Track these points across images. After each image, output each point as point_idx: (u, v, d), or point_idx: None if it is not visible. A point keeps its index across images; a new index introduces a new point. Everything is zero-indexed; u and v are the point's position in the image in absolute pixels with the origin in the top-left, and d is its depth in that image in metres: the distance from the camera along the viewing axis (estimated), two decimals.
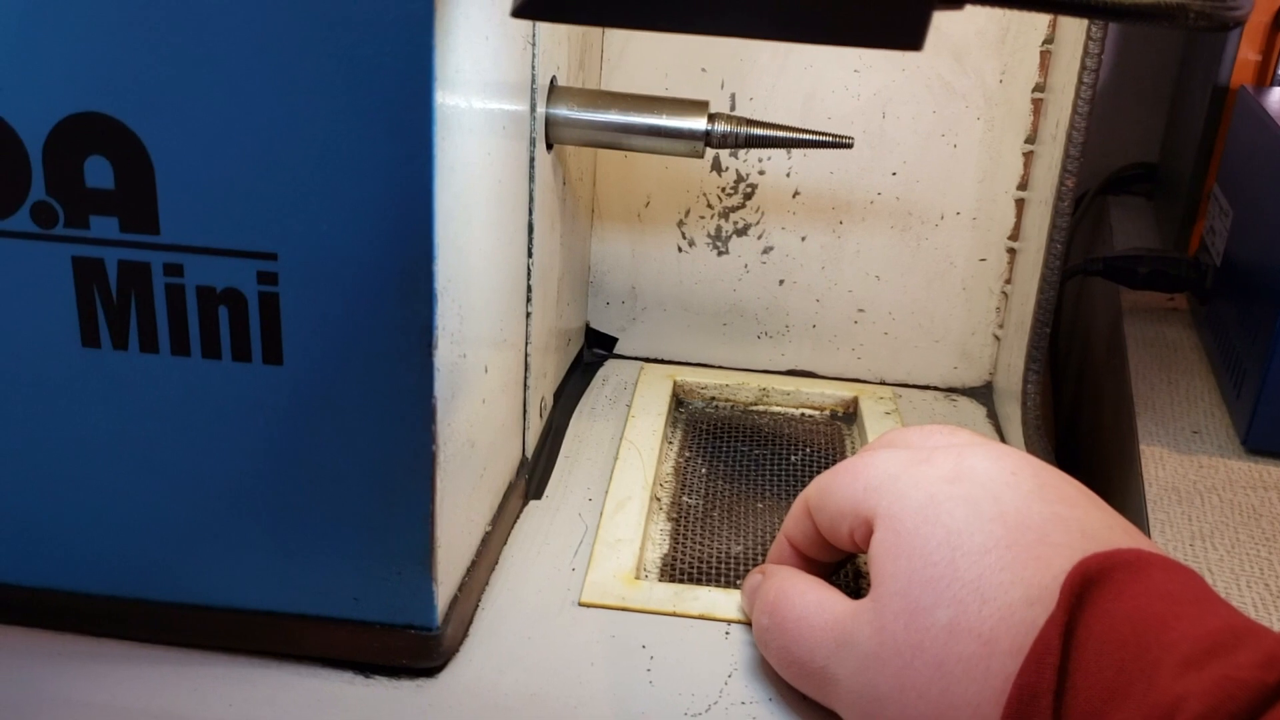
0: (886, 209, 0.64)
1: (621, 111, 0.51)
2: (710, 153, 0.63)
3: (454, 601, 0.42)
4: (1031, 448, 0.57)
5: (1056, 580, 0.33)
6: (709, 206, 0.65)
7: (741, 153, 0.63)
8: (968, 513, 0.36)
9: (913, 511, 0.37)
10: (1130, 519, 0.38)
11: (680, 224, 0.65)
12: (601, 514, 0.51)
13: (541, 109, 0.49)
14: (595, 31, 0.60)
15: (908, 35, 0.30)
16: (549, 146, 0.51)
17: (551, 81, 0.50)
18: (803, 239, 0.65)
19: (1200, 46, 0.83)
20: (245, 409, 0.38)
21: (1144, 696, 0.29)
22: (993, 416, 0.64)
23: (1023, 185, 0.62)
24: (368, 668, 0.41)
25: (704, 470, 0.57)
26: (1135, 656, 0.30)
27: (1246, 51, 0.75)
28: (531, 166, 0.48)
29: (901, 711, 0.35)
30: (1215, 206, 0.70)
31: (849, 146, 0.52)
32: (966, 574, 0.35)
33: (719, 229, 0.65)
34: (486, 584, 0.46)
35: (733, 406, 0.65)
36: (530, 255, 0.50)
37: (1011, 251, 0.64)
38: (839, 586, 0.41)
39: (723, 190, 0.64)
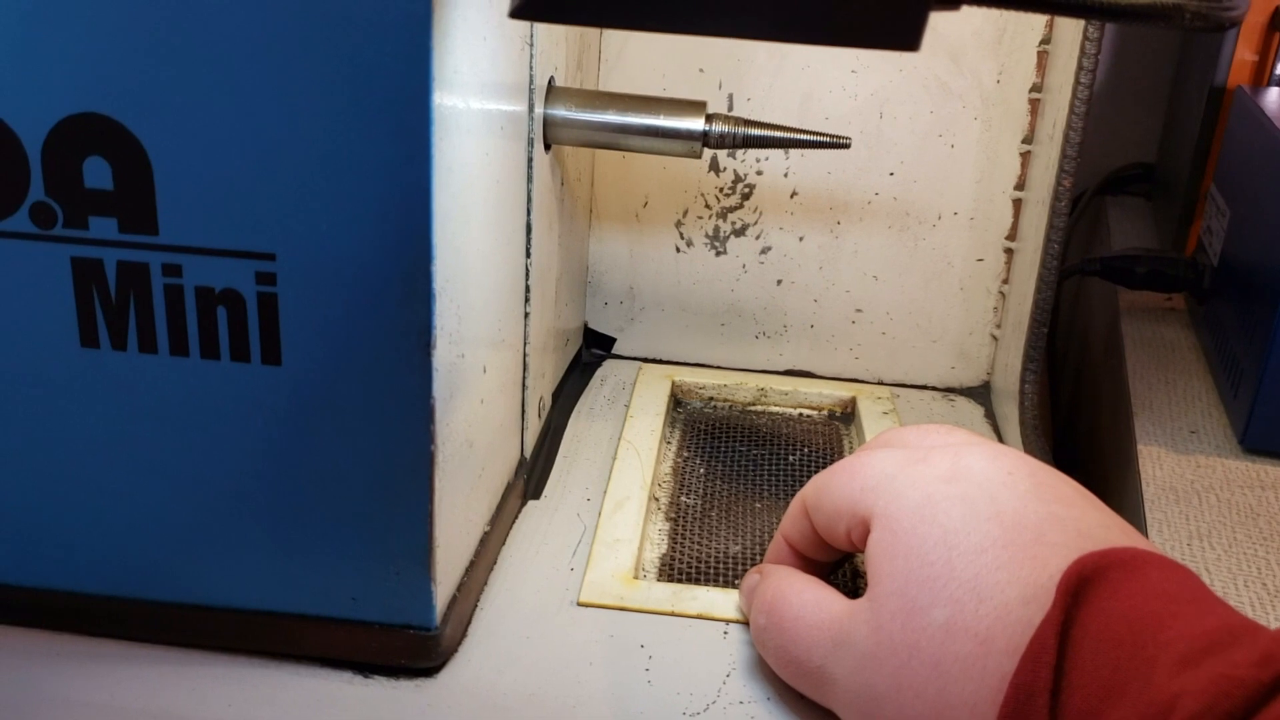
0: (884, 209, 0.64)
1: (619, 112, 0.51)
2: (708, 153, 0.63)
3: (452, 601, 0.42)
4: (1029, 447, 0.57)
5: (1053, 579, 0.33)
6: (707, 207, 0.65)
7: (739, 153, 0.63)
8: (964, 512, 0.36)
9: (909, 511, 0.37)
10: (1128, 519, 0.38)
11: (678, 224, 0.65)
12: (600, 514, 0.51)
13: (539, 109, 0.49)
14: (593, 32, 0.60)
15: (905, 36, 0.30)
16: (547, 147, 0.51)
17: (549, 82, 0.50)
18: (800, 239, 0.65)
19: (1197, 46, 0.84)
20: (244, 409, 0.38)
21: (1140, 695, 0.29)
22: (990, 416, 0.64)
23: (1020, 185, 0.63)
24: (367, 668, 0.41)
25: (702, 470, 0.57)
26: (1131, 655, 0.30)
27: (1243, 52, 0.75)
28: (529, 167, 0.48)
29: (899, 711, 0.35)
30: (1212, 206, 0.70)
31: (846, 147, 0.52)
32: (963, 573, 0.35)
33: (717, 229, 0.65)
34: (485, 584, 0.46)
35: (731, 406, 0.65)
36: (528, 255, 0.50)
37: (1009, 251, 0.64)
38: (837, 586, 0.41)
39: (720, 190, 0.64)
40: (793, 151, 0.63)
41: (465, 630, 0.43)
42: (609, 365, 0.68)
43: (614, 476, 0.55)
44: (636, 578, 0.47)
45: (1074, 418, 0.84)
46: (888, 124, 0.62)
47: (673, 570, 0.49)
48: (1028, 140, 0.62)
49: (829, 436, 0.62)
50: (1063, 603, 0.32)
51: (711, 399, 0.65)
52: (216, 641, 0.42)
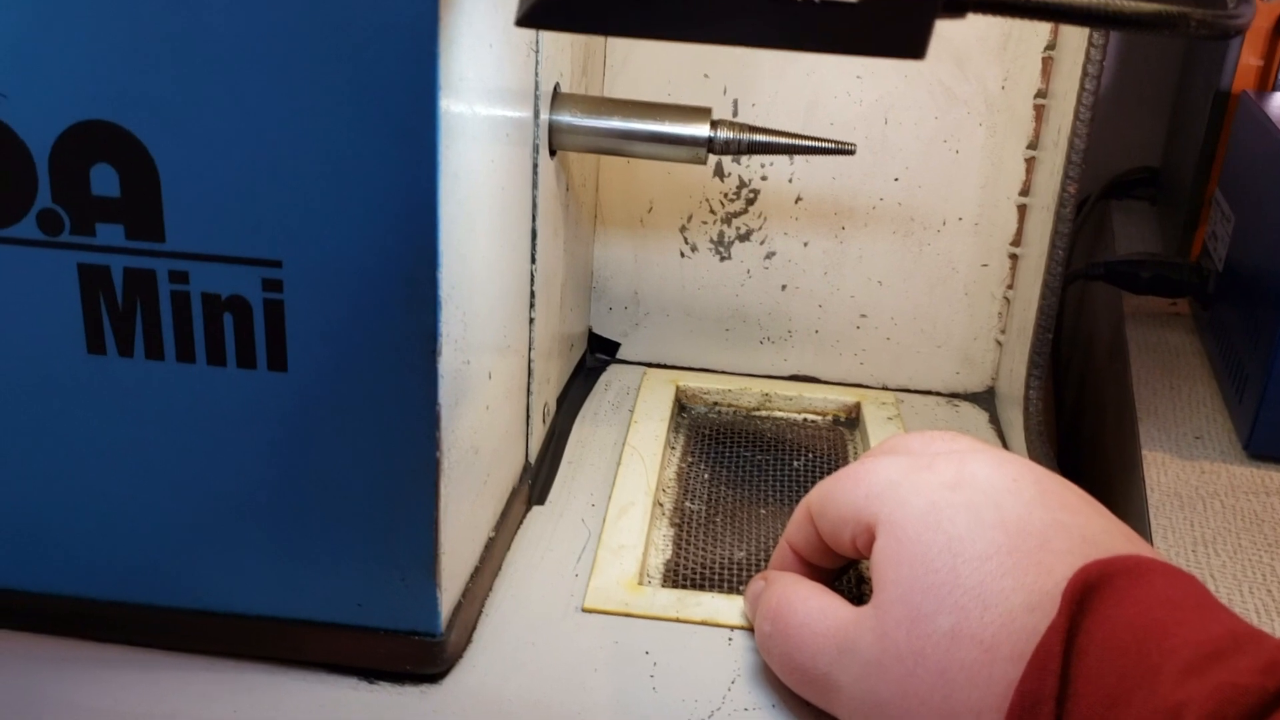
0: (889, 215, 0.64)
1: (624, 118, 0.51)
2: (713, 158, 0.63)
3: (458, 607, 0.42)
4: (1034, 453, 0.57)
5: (1058, 587, 0.33)
6: (711, 212, 0.65)
7: (744, 158, 0.63)
8: (969, 519, 0.36)
9: (914, 518, 0.37)
10: (1132, 525, 0.38)
11: (683, 229, 0.66)
12: (604, 519, 0.52)
13: (545, 116, 0.49)
14: (598, 38, 0.60)
15: (910, 44, 0.30)
16: (552, 153, 0.51)
17: (555, 88, 0.50)
18: (805, 244, 0.65)
19: (1202, 51, 0.84)
20: (250, 416, 0.38)
21: (1145, 703, 0.29)
22: (995, 422, 0.64)
23: (1025, 191, 0.63)
24: (372, 673, 0.41)
25: (706, 476, 0.57)
26: (1136, 663, 0.30)
27: (1248, 56, 0.75)
28: (535, 173, 0.49)
29: (904, 717, 0.35)
30: (1217, 211, 0.70)
31: (851, 153, 0.52)
32: (968, 580, 0.35)
33: (721, 234, 0.65)
34: (490, 590, 0.46)
35: (735, 411, 0.65)
36: (533, 261, 0.50)
37: (1013, 257, 0.64)
38: (841, 592, 0.41)
39: (725, 196, 0.64)
40: (798, 157, 0.63)
41: (470, 636, 0.43)
42: (613, 370, 0.68)
43: (618, 482, 0.55)
44: (641, 584, 0.47)
45: (1078, 422, 0.84)
46: (893, 130, 0.62)
47: (677, 576, 0.49)
48: (1032, 146, 0.62)
49: (833, 442, 0.62)
50: (1068, 610, 0.32)
51: (716, 404, 0.65)
52: (222, 647, 0.42)
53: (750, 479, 0.57)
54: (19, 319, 0.38)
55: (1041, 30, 0.60)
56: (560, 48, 0.51)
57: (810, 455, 0.60)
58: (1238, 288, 0.64)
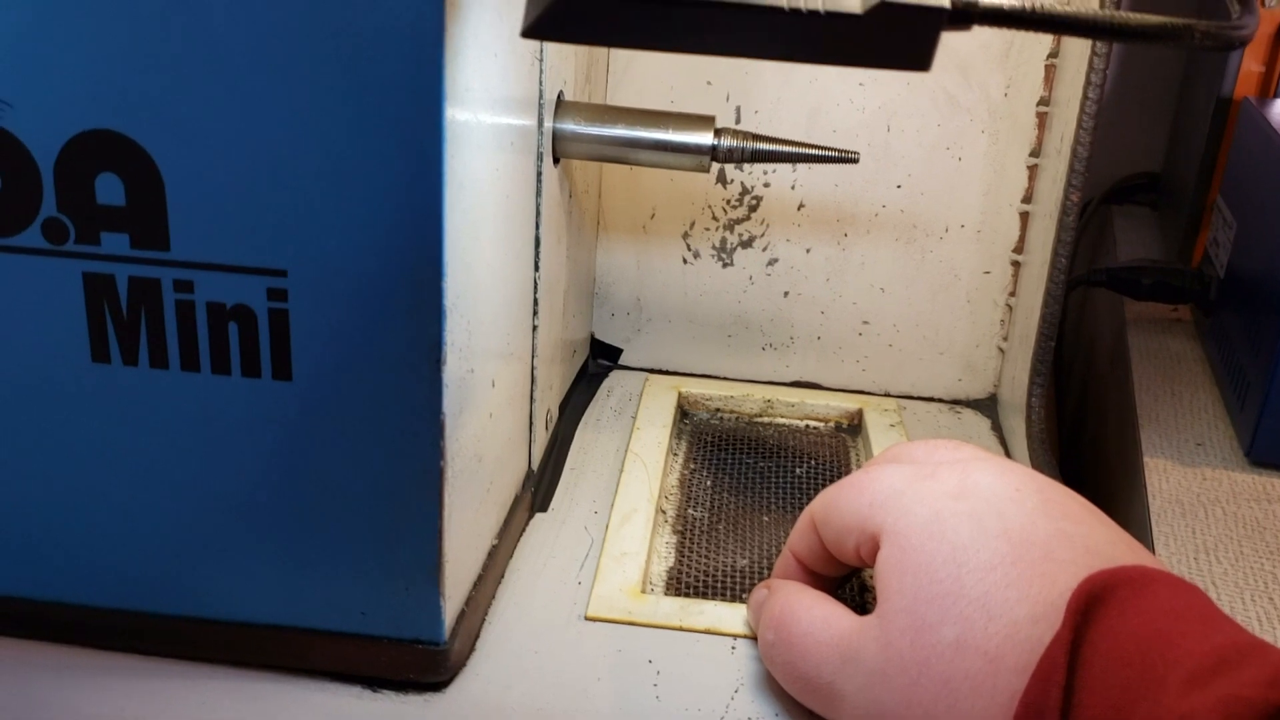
0: (891, 222, 0.64)
1: (628, 126, 0.51)
2: (715, 166, 0.63)
3: (461, 616, 0.42)
4: (1036, 461, 0.57)
5: (1062, 597, 0.33)
6: (714, 219, 0.65)
7: (746, 165, 0.64)
8: (973, 529, 0.36)
9: (918, 528, 0.37)
10: (1133, 532, 0.38)
11: (685, 236, 0.66)
12: (607, 527, 0.52)
13: (549, 124, 0.49)
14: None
15: (916, 57, 0.30)
16: (556, 161, 0.51)
17: (559, 96, 0.51)
18: (807, 251, 0.65)
19: (1204, 58, 0.84)
20: (254, 424, 0.38)
21: (1149, 714, 0.29)
22: (997, 429, 0.64)
23: (1027, 198, 0.63)
24: (375, 682, 0.41)
25: (709, 482, 0.57)
26: (1140, 674, 0.30)
27: (1250, 63, 0.75)
28: (539, 181, 0.49)
29: None
30: (1219, 218, 0.70)
31: (854, 162, 0.52)
32: (972, 591, 0.35)
33: (724, 241, 0.65)
34: (493, 598, 0.46)
35: (737, 418, 0.65)
36: (537, 269, 0.50)
37: (1016, 264, 0.64)
38: (844, 601, 0.41)
39: (728, 202, 0.65)
40: (800, 164, 0.63)
41: (474, 644, 0.44)
42: (615, 376, 0.68)
43: (621, 489, 0.55)
44: (644, 591, 0.48)
45: (1079, 428, 0.84)
46: (895, 137, 0.62)
47: (680, 584, 0.49)
48: (1035, 153, 0.62)
49: (836, 448, 0.62)
50: (1072, 621, 0.32)
51: (718, 410, 0.65)
52: (226, 655, 0.42)
53: (752, 486, 0.57)
54: (24, 327, 0.38)
55: (1044, 38, 0.60)
56: (564, 56, 0.51)
57: (812, 462, 0.60)
58: (1239, 294, 0.64)
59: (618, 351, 0.69)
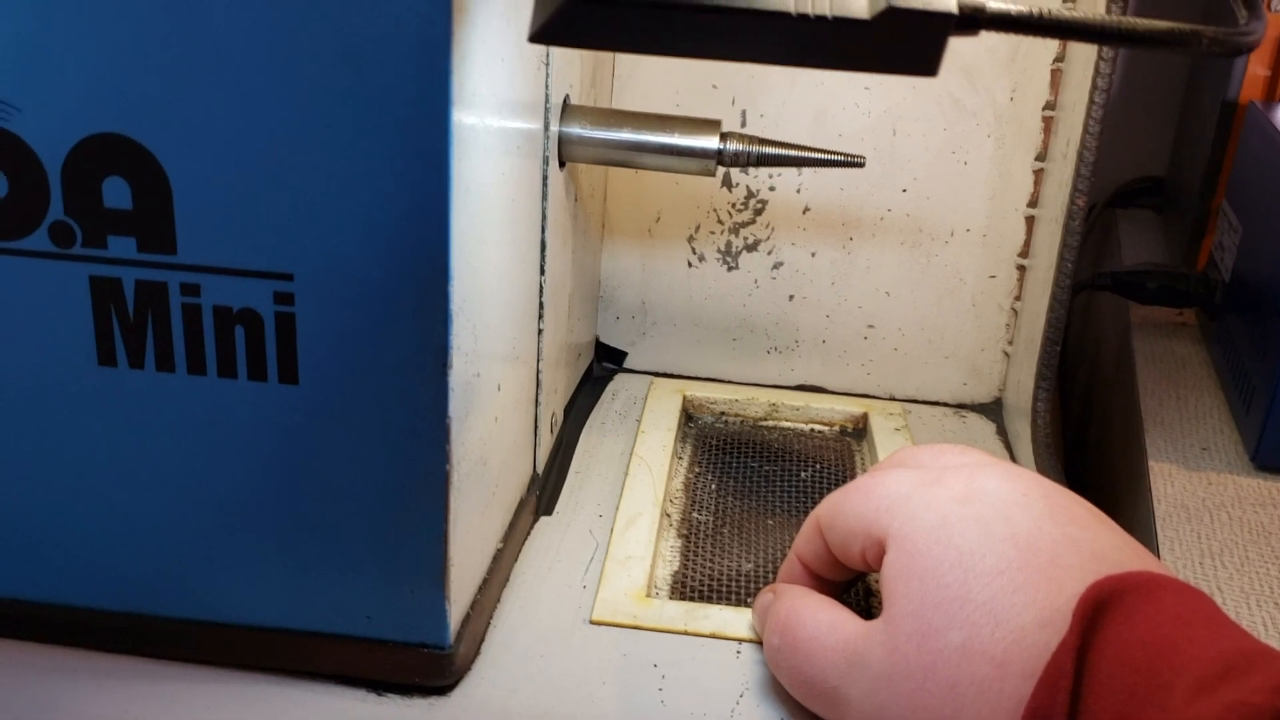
0: (897, 225, 0.64)
1: (634, 130, 0.51)
2: (721, 169, 0.63)
3: (466, 619, 0.42)
4: (1041, 465, 0.57)
5: (1069, 603, 0.33)
6: (719, 222, 0.65)
7: (752, 169, 0.64)
8: (980, 534, 0.36)
9: (925, 532, 0.37)
10: (1139, 536, 0.38)
11: (690, 239, 0.66)
12: (612, 530, 0.52)
13: (555, 128, 0.49)
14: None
15: (923, 62, 0.30)
16: (562, 164, 0.51)
17: (564, 100, 0.51)
18: (813, 255, 0.65)
19: (1210, 62, 0.84)
20: (261, 428, 0.38)
21: None
22: (1002, 433, 0.64)
23: (1033, 203, 0.63)
24: (380, 685, 0.41)
25: (714, 486, 0.57)
26: (1147, 680, 0.30)
27: (1256, 67, 0.75)
28: (545, 185, 0.49)
29: None
30: (1224, 222, 0.70)
31: (860, 166, 0.52)
32: (979, 596, 0.35)
33: (729, 244, 0.65)
34: (498, 602, 0.46)
35: (742, 421, 0.65)
36: (542, 272, 0.50)
37: (1021, 269, 0.64)
38: (849, 606, 0.41)
39: (733, 206, 0.65)
40: (806, 167, 0.63)
41: (479, 648, 0.44)
42: (620, 379, 0.68)
43: (626, 492, 0.55)
44: (649, 596, 0.47)
45: (1084, 433, 0.84)
46: (901, 141, 0.62)
47: (685, 588, 0.49)
48: (1041, 158, 0.62)
49: (841, 452, 0.62)
50: (1079, 627, 0.32)
51: (723, 414, 0.65)
52: (231, 658, 0.42)
53: (757, 490, 0.57)
54: (30, 330, 0.38)
55: (1050, 43, 0.60)
56: (570, 60, 0.51)
57: (817, 466, 0.60)
58: (1245, 298, 0.64)
59: (623, 355, 0.69)
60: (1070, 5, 0.57)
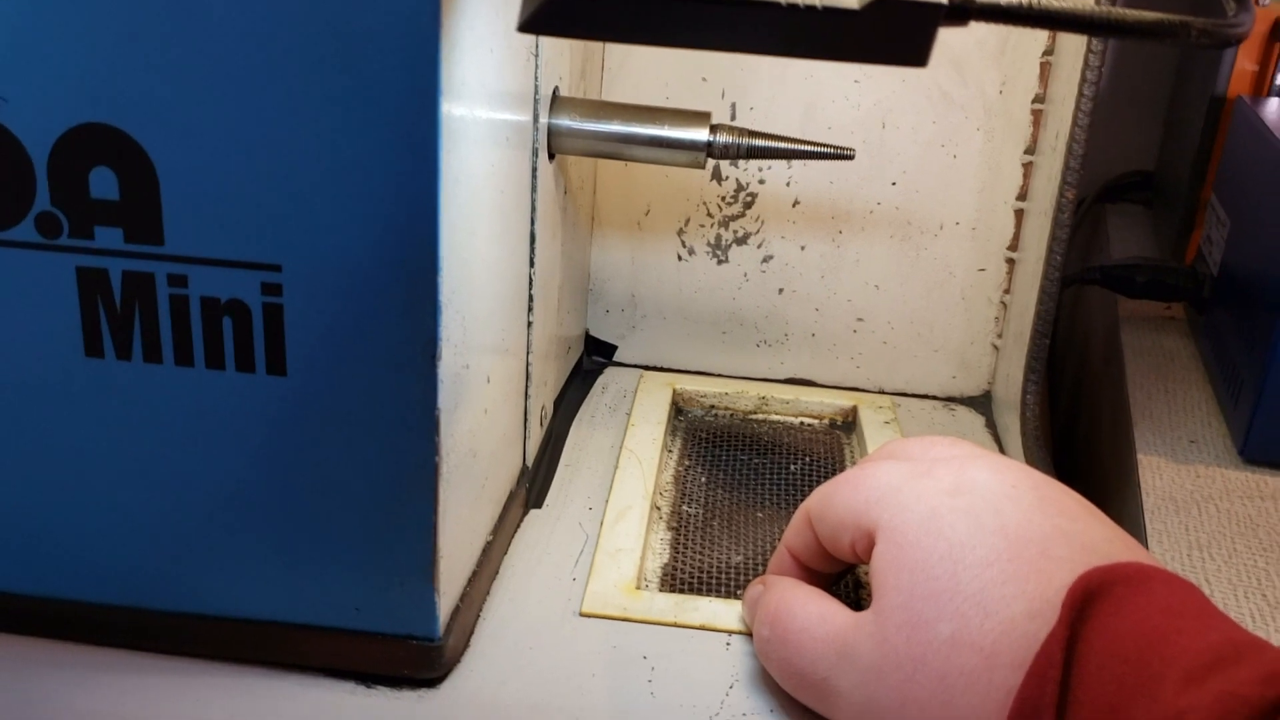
0: (886, 219, 0.64)
1: (624, 122, 0.51)
2: (711, 162, 0.63)
3: (456, 612, 0.42)
4: (1030, 458, 0.57)
5: (1058, 594, 0.33)
6: (709, 215, 0.65)
7: (741, 162, 0.63)
8: (969, 526, 0.36)
9: (914, 524, 0.37)
10: (1127, 529, 0.38)
11: (680, 232, 0.66)
12: (602, 523, 0.52)
13: (544, 119, 0.49)
14: (597, 42, 0.60)
15: (913, 52, 0.30)
16: (551, 156, 0.51)
17: (554, 92, 0.50)
18: (802, 248, 0.65)
19: (1198, 56, 0.84)
20: (248, 419, 0.38)
21: (1146, 711, 0.30)
22: (991, 426, 0.64)
23: (1022, 196, 0.63)
24: (369, 678, 0.41)
25: (704, 479, 0.57)
26: (1137, 671, 0.30)
27: (1244, 62, 0.75)
28: (534, 177, 0.48)
29: None
30: (1212, 216, 0.70)
31: (850, 159, 0.52)
32: (968, 587, 0.35)
33: (719, 238, 0.65)
34: (488, 594, 0.46)
35: (732, 415, 0.65)
36: (532, 265, 0.50)
37: (1010, 262, 0.64)
38: (839, 597, 0.41)
39: (723, 199, 0.64)
40: (795, 160, 0.63)
41: (468, 641, 0.43)
42: (610, 373, 0.68)
43: (615, 485, 0.55)
44: (639, 588, 0.47)
45: (1072, 426, 0.84)
46: (890, 134, 0.62)
47: (675, 580, 0.49)
48: (1030, 151, 0.62)
49: (830, 445, 0.62)
50: (1068, 618, 0.32)
51: (713, 407, 0.65)
52: (220, 651, 0.42)
53: (747, 482, 0.57)
54: (16, 322, 0.38)
55: (1039, 35, 0.60)
56: (559, 51, 0.51)
57: (807, 459, 0.60)
58: (1233, 292, 0.64)
59: (612, 348, 0.68)
60: None
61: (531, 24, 0.32)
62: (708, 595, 0.48)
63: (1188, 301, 0.72)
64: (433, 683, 0.41)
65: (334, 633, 0.41)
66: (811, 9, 0.30)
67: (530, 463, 0.54)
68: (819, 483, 0.43)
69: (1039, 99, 0.61)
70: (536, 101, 0.48)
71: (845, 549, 0.41)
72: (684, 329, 0.67)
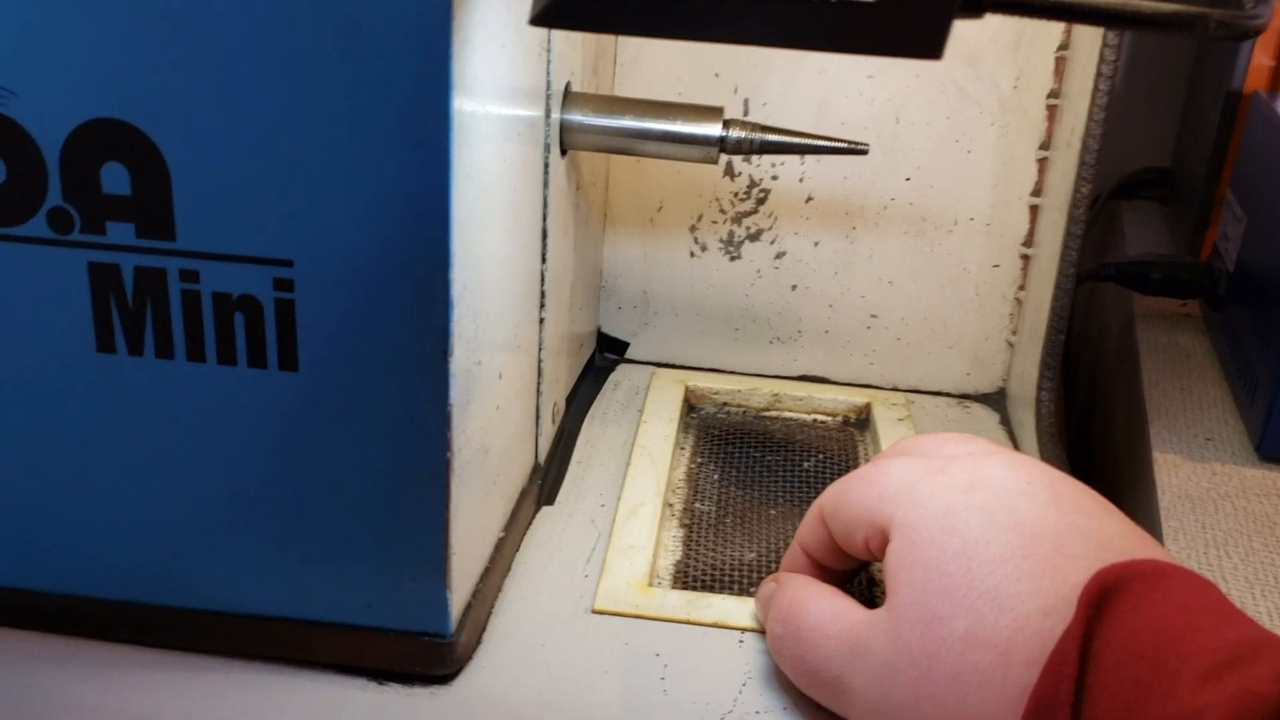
0: (900, 215, 0.64)
1: (636, 117, 0.51)
2: (723, 158, 0.63)
3: (467, 608, 0.42)
4: (1045, 455, 0.57)
5: (1074, 591, 0.33)
6: (721, 211, 0.65)
7: (754, 158, 0.63)
8: (984, 522, 0.36)
9: (929, 521, 0.37)
10: (1143, 526, 0.38)
11: (693, 229, 0.65)
12: (614, 520, 0.51)
13: (556, 115, 0.49)
14: (609, 36, 0.60)
15: (928, 45, 0.30)
16: (563, 152, 0.51)
17: (566, 87, 0.50)
18: (815, 244, 0.65)
19: (1213, 51, 0.83)
20: (260, 415, 0.38)
21: (1162, 709, 0.29)
22: (1006, 423, 0.64)
23: (1037, 191, 0.62)
24: (381, 674, 0.41)
25: (716, 476, 0.57)
26: (1153, 669, 0.30)
27: (1260, 57, 0.74)
28: (546, 172, 0.48)
29: None
30: (1228, 212, 0.70)
31: (864, 153, 0.52)
32: (983, 584, 0.35)
33: (731, 234, 0.65)
34: (499, 591, 0.46)
35: (745, 412, 0.65)
36: (544, 261, 0.50)
37: (1025, 258, 0.64)
38: (852, 594, 0.41)
39: (735, 195, 0.64)
40: (809, 156, 0.63)
41: (480, 637, 0.43)
42: (622, 370, 0.67)
43: (628, 482, 0.54)
44: (651, 585, 0.47)
45: (1087, 424, 0.84)
46: (904, 129, 0.62)
47: (687, 577, 0.49)
48: (1045, 146, 0.61)
49: (843, 442, 0.62)
50: (1084, 615, 0.32)
51: (725, 404, 0.65)
52: (231, 647, 0.42)
53: (760, 480, 0.57)
54: (29, 318, 0.38)
55: (1054, 30, 0.59)
56: (572, 46, 0.51)
57: (820, 456, 0.60)
58: (1249, 289, 0.63)
59: (624, 345, 0.68)
60: None
61: (543, 17, 0.31)
62: (720, 592, 0.48)
63: (1203, 298, 0.71)
64: (445, 679, 0.41)
65: (345, 629, 0.41)
66: (825, 0, 0.30)
67: (542, 459, 0.54)
68: (832, 480, 0.43)
69: (1054, 94, 0.60)
70: (548, 97, 0.48)
71: (859, 546, 0.40)
72: (696, 326, 0.67)
